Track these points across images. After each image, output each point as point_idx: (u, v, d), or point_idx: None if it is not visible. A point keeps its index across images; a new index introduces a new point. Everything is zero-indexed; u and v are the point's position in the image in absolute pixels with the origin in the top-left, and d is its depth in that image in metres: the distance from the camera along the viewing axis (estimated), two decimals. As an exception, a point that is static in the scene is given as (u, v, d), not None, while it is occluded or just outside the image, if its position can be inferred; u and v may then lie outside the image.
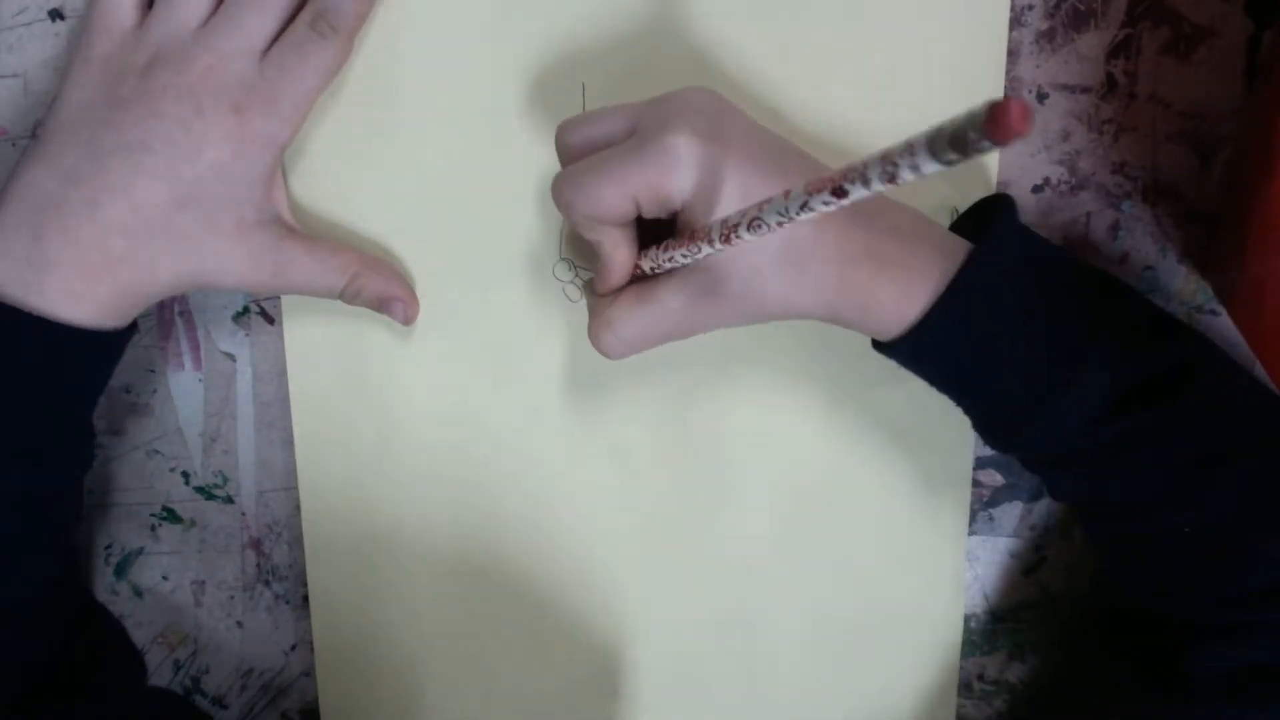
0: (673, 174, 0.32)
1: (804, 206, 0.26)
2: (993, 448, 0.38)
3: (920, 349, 0.35)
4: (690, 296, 0.34)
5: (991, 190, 0.41)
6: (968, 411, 0.38)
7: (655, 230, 0.36)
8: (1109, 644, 0.42)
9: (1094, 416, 0.34)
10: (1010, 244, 0.35)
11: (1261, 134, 0.38)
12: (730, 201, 0.32)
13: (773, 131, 0.35)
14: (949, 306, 0.34)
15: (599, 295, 0.37)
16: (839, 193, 0.25)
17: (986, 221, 0.35)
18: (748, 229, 0.29)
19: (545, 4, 0.39)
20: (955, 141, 0.21)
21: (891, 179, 0.23)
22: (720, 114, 0.34)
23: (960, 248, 0.35)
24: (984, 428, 0.38)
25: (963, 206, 0.40)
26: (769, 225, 0.28)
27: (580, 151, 0.35)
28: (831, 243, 0.33)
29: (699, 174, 0.32)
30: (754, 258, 0.33)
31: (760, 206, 0.28)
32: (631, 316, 0.35)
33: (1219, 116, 0.40)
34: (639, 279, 0.36)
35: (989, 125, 0.20)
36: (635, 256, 0.36)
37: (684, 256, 0.33)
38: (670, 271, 0.35)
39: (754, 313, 0.35)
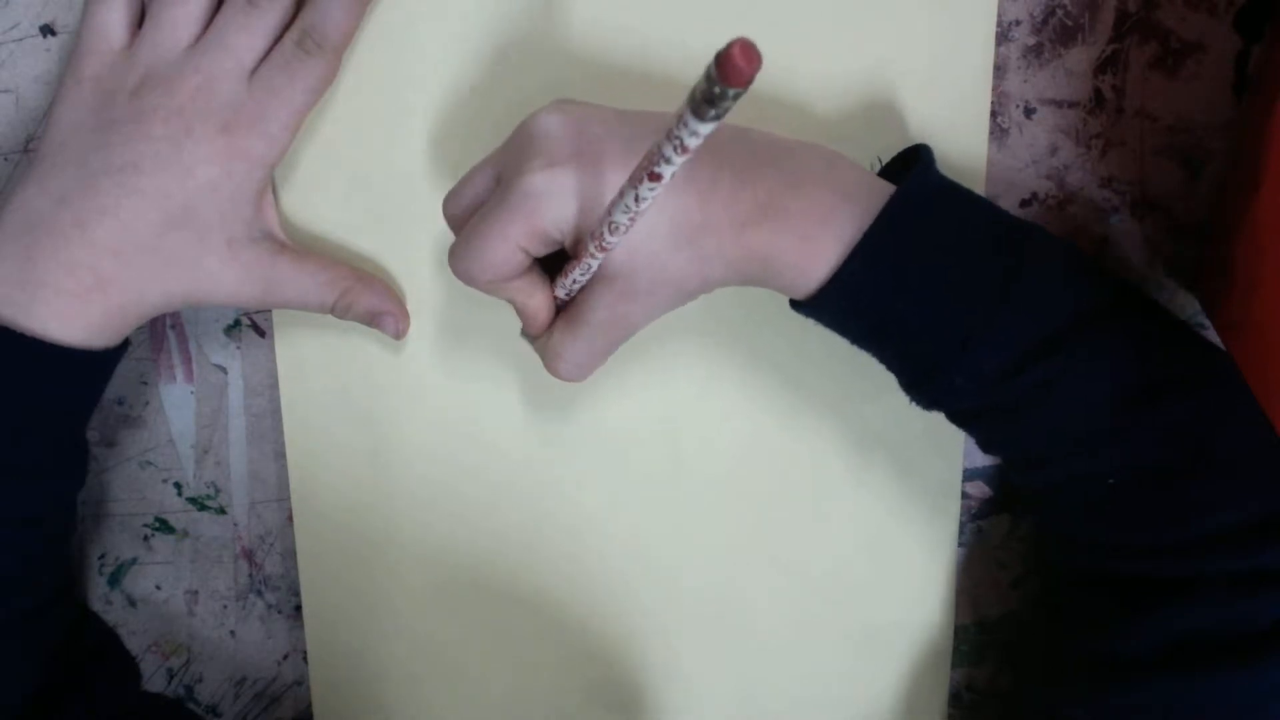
0: (541, 213, 0.32)
1: (637, 199, 0.27)
2: (919, 404, 0.37)
3: (838, 302, 0.34)
4: (610, 305, 0.34)
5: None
6: (891, 366, 0.37)
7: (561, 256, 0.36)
8: (1052, 627, 0.42)
9: (1016, 360, 0.33)
10: (927, 189, 0.34)
11: (1250, 148, 0.38)
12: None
13: (636, 114, 0.35)
14: (864, 256, 0.33)
15: (535, 338, 0.37)
16: (655, 176, 0.26)
17: (904, 171, 0.35)
18: (609, 233, 0.29)
19: (537, 21, 0.39)
20: (707, 98, 0.22)
21: (683, 148, 0.24)
22: (575, 127, 0.33)
23: (871, 192, 0.34)
24: (909, 382, 0.37)
25: (888, 157, 0.39)
26: (623, 225, 0.29)
27: (467, 220, 0.35)
28: (721, 209, 0.33)
29: (575, 199, 0.32)
30: (649, 246, 0.33)
31: (609, 210, 0.29)
32: (570, 344, 0.35)
33: (1207, 131, 0.40)
34: (563, 304, 0.36)
35: (721, 74, 0.21)
36: (549, 297, 0.36)
37: (581, 275, 0.33)
38: (585, 290, 0.35)
39: (674, 296, 0.34)
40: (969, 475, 0.44)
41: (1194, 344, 0.36)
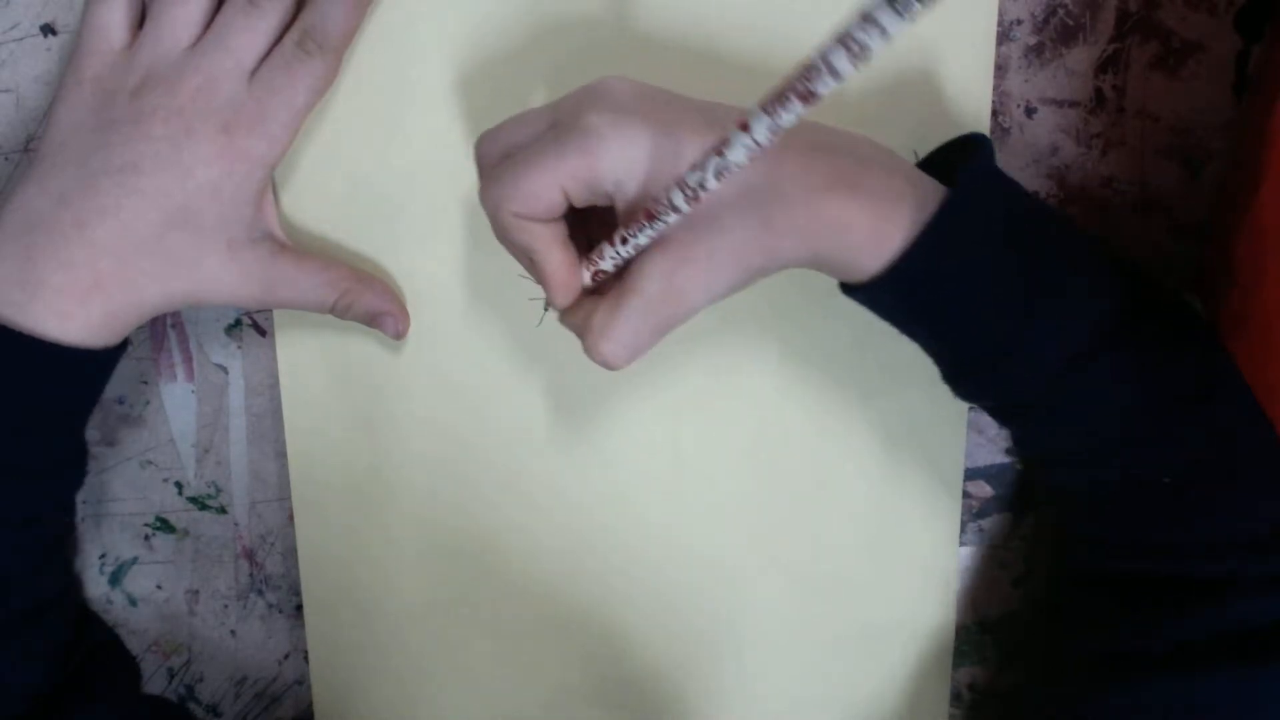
0: (599, 154, 0.30)
1: (774, 128, 0.24)
2: (962, 398, 0.36)
3: (901, 286, 0.33)
4: (666, 275, 0.32)
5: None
6: (939, 357, 0.36)
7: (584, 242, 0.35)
8: (1070, 626, 0.42)
9: (1068, 357, 0.33)
10: (990, 181, 0.34)
11: (1250, 148, 0.38)
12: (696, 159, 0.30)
13: (696, 98, 0.34)
14: (932, 239, 0.32)
15: (565, 312, 0.35)
16: (807, 96, 0.22)
17: (955, 163, 0.34)
18: (714, 178, 0.27)
19: (537, 20, 0.39)
20: None
21: (860, 57, 0.21)
22: (648, 91, 0.32)
23: (929, 181, 0.34)
24: (956, 375, 0.36)
25: (922, 151, 0.38)
26: (734, 165, 0.26)
27: (500, 160, 0.33)
28: (791, 178, 0.32)
29: (643, 154, 0.31)
30: (712, 211, 0.31)
31: (718, 150, 0.27)
32: (619, 318, 0.33)
33: (1208, 131, 0.40)
34: (605, 283, 0.34)
35: None
36: (573, 258, 0.34)
37: (648, 237, 0.31)
38: (636, 261, 0.33)
39: (736, 272, 0.32)
40: (970, 475, 0.44)
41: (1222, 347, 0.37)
